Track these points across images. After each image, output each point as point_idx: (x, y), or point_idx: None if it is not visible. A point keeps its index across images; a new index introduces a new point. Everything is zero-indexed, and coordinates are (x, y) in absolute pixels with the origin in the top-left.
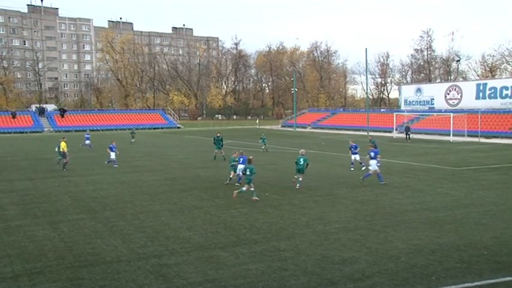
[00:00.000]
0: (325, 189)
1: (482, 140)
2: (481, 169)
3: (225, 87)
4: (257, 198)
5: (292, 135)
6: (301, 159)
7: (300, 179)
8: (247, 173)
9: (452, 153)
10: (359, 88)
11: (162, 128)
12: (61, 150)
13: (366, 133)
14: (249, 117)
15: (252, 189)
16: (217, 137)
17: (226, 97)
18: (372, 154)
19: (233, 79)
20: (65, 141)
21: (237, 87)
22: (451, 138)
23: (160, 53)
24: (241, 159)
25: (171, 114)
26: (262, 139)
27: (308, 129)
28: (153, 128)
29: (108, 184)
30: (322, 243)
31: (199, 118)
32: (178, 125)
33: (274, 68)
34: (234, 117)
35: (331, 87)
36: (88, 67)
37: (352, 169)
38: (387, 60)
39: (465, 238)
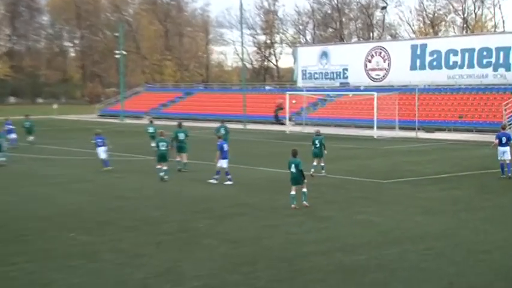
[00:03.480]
0: (175, 222)
1: (422, 134)
2: (421, 181)
3: None
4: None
5: (117, 131)
6: (317, 141)
7: (304, 189)
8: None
9: (377, 157)
10: (230, 51)
11: None
12: None
13: (242, 126)
14: (40, 100)
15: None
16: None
17: None
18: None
19: (8, 32)
20: None
21: (16, 48)
22: (375, 132)
23: None
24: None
25: None
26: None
27: (146, 120)
28: None
29: None
30: None
31: None
32: None
33: (84, 15)
34: (12, 99)
35: (184, 49)
36: None
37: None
38: (274, 6)
39: None
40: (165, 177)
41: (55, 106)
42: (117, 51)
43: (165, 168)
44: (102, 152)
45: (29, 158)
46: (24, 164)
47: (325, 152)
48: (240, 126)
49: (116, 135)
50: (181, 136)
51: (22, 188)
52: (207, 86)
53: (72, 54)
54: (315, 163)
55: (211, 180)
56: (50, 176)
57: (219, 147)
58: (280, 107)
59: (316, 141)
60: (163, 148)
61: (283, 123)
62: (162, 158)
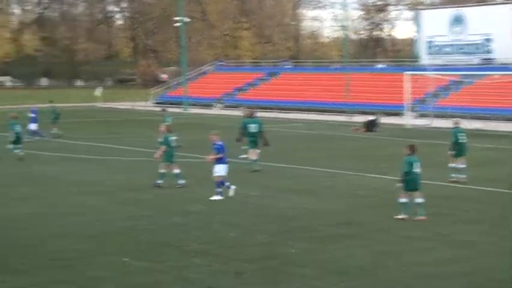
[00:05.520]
0: (258, 245)
1: None
2: None
3: (16, 13)
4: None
5: (178, 124)
6: (460, 134)
7: (421, 199)
8: None
9: None
10: (327, 17)
11: None
12: None
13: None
14: (80, 83)
15: None
16: None
17: (22, 36)
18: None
19: None
20: None
21: (48, 14)
22: None
23: None
24: None
25: None
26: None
27: (217, 110)
28: None
29: None
30: None
31: None
32: None
33: None
34: (43, 82)
35: (265, 15)
36: None
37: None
38: None
39: None
40: (180, 181)
41: (98, 92)
42: (177, 18)
43: (177, 171)
44: None
45: (60, 157)
46: (56, 166)
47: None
48: (342, 118)
49: (177, 129)
50: (254, 128)
51: (60, 198)
52: (297, 63)
53: (119, 22)
54: (453, 164)
55: (216, 197)
56: (93, 182)
57: (220, 148)
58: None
59: (459, 135)
60: (173, 145)
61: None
62: (170, 157)
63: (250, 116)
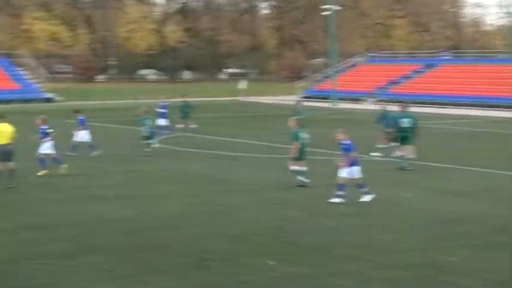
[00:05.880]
0: (415, 251)
1: None
2: None
3: (159, 3)
4: None
5: (326, 120)
6: None
7: None
8: None
9: None
10: (490, 2)
11: (10, 102)
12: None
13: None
14: (223, 76)
15: None
16: None
17: (165, 28)
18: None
19: None
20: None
21: (192, 4)
22: None
23: None
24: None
25: (29, 68)
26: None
27: (368, 105)
28: None
29: None
30: None
31: (101, 77)
32: (48, 96)
33: None
34: (186, 75)
35: (422, 2)
36: None
37: None
38: None
39: None
40: (305, 180)
41: (242, 84)
42: (326, 6)
43: (304, 168)
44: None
45: (198, 153)
46: (195, 162)
47: None
48: (509, 114)
49: (324, 125)
50: (407, 123)
51: (202, 196)
52: (457, 54)
53: (265, 12)
54: None
55: (335, 200)
56: (234, 180)
57: (349, 147)
58: None
59: None
60: (306, 141)
61: None
62: (300, 154)
63: (403, 111)
